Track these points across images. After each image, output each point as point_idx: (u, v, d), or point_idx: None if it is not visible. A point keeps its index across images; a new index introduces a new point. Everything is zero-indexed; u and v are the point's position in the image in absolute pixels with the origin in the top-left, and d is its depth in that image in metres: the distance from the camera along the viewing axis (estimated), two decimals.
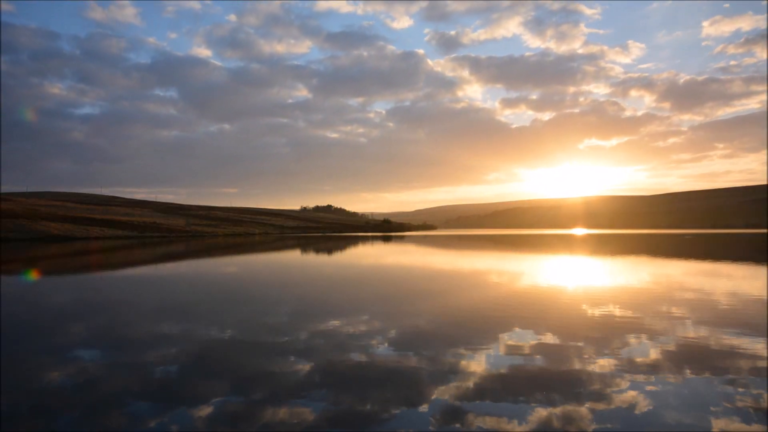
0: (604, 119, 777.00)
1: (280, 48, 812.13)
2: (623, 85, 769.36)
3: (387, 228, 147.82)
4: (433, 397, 5.24)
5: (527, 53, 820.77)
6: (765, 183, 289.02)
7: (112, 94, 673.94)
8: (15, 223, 60.33)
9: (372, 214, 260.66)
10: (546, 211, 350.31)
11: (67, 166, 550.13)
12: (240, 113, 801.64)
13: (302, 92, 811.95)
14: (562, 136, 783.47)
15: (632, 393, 5.27)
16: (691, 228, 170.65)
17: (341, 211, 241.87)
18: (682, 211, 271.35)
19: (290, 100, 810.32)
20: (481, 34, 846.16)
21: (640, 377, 5.79)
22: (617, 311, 10.06)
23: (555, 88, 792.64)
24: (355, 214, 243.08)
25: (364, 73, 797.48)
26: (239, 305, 11.29)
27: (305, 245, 48.06)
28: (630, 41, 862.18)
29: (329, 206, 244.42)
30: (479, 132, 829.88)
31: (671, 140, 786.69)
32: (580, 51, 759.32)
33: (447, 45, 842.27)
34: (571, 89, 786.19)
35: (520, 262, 25.67)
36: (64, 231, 62.23)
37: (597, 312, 9.97)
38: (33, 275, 19.19)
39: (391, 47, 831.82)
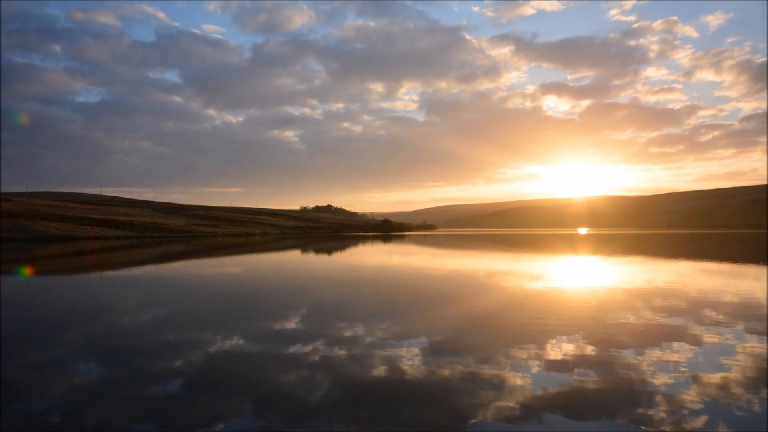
0: (649, 110, 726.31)
1: (310, 17, 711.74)
2: (688, 69, 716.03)
3: (387, 228, 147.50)
4: (476, 419, 4.72)
5: (595, 28, 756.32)
6: (765, 183, 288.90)
7: (111, 78, 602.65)
8: (15, 223, 59.92)
9: (372, 213, 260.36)
10: (547, 211, 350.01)
11: (64, 162, 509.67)
12: (251, 101, 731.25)
13: (320, 75, 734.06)
14: (598, 128, 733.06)
15: (707, 416, 4.73)
16: (690, 228, 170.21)
17: (341, 211, 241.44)
18: (681, 212, 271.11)
19: (307, 86, 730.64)
20: (548, 5, 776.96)
21: (711, 394, 5.23)
22: (651, 315, 9.50)
23: (613, 70, 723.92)
24: (355, 214, 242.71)
25: (394, 52, 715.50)
26: (246, 310, 10.78)
27: (308, 245, 47.67)
28: (718, 13, 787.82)
29: (329, 206, 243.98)
30: (508, 123, 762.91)
31: (714, 134, 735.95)
32: (657, 25, 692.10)
33: (503, 14, 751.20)
34: (630, 73, 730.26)
35: (530, 263, 25.24)
36: (64, 231, 61.84)
37: (631, 317, 9.41)
38: (30, 276, 18.82)
39: (431, 21, 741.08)
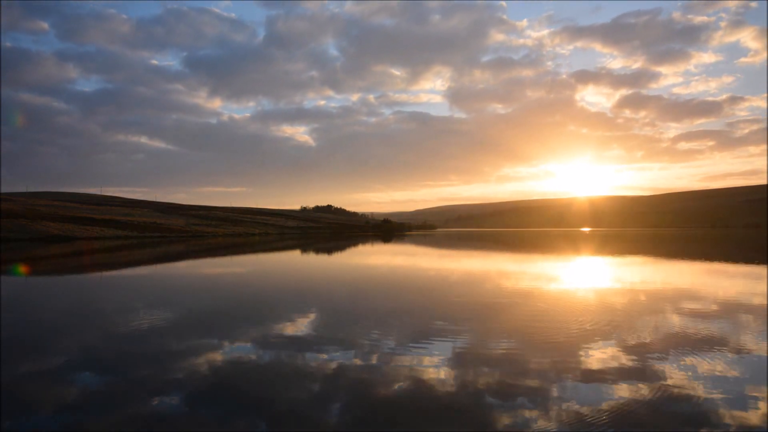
0: (689, 102, 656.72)
1: None
2: (753, 51, 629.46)
3: (387, 228, 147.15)
4: None
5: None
6: (765, 183, 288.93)
7: (109, 64, 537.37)
8: (15, 223, 59.50)
9: (372, 214, 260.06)
10: (548, 211, 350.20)
11: (62, 160, 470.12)
12: (261, 90, 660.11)
13: (338, 59, 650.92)
14: (628, 122, 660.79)
15: None
16: (690, 228, 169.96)
17: (341, 211, 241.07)
18: (681, 211, 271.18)
19: (322, 72, 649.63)
20: None
21: None
22: (684, 320, 8.96)
23: (669, 54, 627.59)
24: (355, 214, 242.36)
25: (424, 32, 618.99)
26: (253, 314, 10.27)
27: (308, 246, 47.31)
28: None
29: (329, 206, 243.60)
30: (537, 116, 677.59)
31: (752, 128, 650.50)
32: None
33: None
34: (684, 56, 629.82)
35: (537, 263, 24.75)
36: (64, 231, 61.41)
37: (663, 322, 8.87)
38: (28, 277, 18.41)
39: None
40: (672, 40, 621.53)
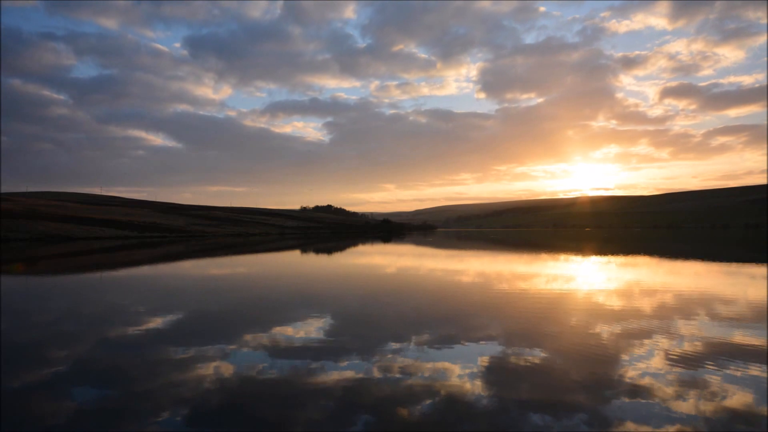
0: (741, 89, 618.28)
1: None
2: None
3: (387, 228, 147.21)
4: None
5: None
6: (765, 183, 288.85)
7: (107, 46, 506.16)
8: (15, 223, 59.73)
9: (372, 213, 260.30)
10: (549, 210, 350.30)
11: (61, 158, 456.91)
12: (272, 75, 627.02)
13: (359, 41, 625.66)
14: (665, 114, 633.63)
15: None
16: (690, 228, 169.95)
17: (341, 211, 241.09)
18: (681, 211, 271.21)
19: (340, 55, 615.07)
20: None
21: None
22: (721, 326, 8.48)
23: (737, 33, 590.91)
24: (355, 214, 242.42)
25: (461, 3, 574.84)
26: (259, 320, 9.98)
27: (310, 246, 47.44)
28: None
29: (329, 206, 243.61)
30: (570, 109, 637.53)
31: None
32: None
33: None
34: (753, 35, 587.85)
35: (542, 263, 24.87)
36: (64, 231, 61.62)
37: (700, 327, 8.45)
38: (24, 279, 18.61)
39: None
40: (754, 7, 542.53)
